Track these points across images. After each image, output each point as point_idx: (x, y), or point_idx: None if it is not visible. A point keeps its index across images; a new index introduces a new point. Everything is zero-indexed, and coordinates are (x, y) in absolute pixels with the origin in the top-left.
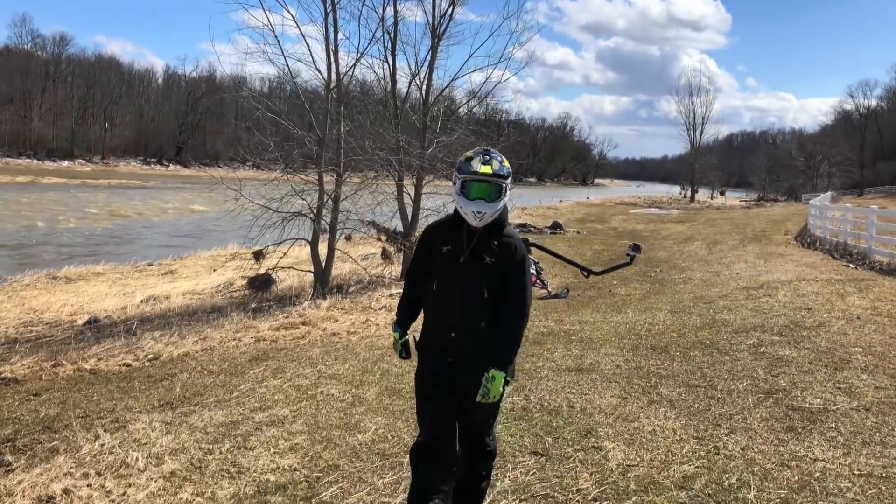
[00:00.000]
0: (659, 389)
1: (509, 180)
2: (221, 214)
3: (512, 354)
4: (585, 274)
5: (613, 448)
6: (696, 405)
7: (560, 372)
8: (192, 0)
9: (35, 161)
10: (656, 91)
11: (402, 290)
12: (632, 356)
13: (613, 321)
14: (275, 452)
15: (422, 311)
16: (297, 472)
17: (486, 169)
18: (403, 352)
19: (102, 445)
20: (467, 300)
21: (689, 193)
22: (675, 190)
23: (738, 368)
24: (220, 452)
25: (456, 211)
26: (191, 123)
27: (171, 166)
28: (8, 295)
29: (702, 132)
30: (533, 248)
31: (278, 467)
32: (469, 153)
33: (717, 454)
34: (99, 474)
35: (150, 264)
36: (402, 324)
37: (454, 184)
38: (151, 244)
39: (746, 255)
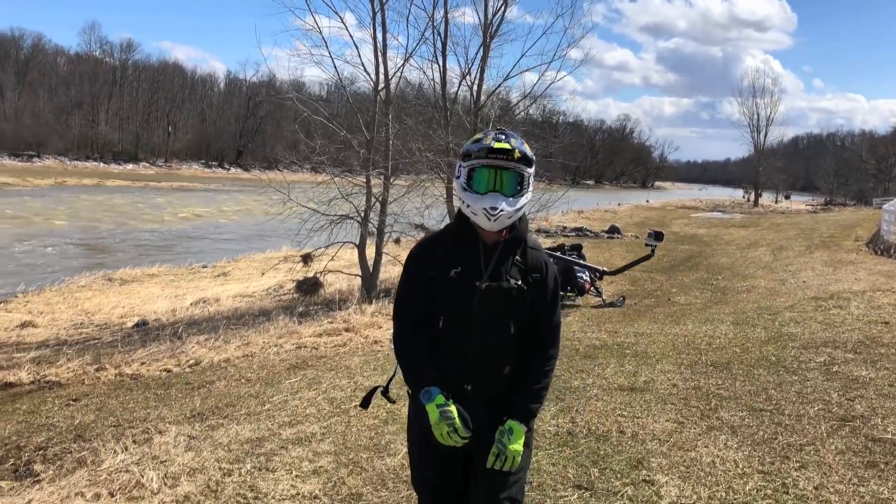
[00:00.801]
0: (719, 413)
1: (532, 169)
2: (270, 217)
3: (541, 403)
4: (598, 276)
5: (667, 483)
6: (761, 433)
7: (611, 391)
8: (254, 6)
9: (101, 164)
10: (718, 93)
11: (397, 335)
12: (690, 374)
13: (671, 333)
14: (297, 476)
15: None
16: (317, 500)
17: (503, 145)
18: (463, 427)
19: (121, 462)
20: (489, 339)
21: (752, 197)
22: (738, 193)
23: (808, 390)
24: (240, 474)
25: (459, 220)
26: (251, 127)
27: (232, 169)
28: (64, 296)
29: (766, 134)
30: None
31: (298, 493)
32: (477, 135)
33: (787, 493)
34: (111, 495)
35: (204, 266)
36: (431, 381)
37: (457, 178)
38: (209, 246)
39: (814, 262)
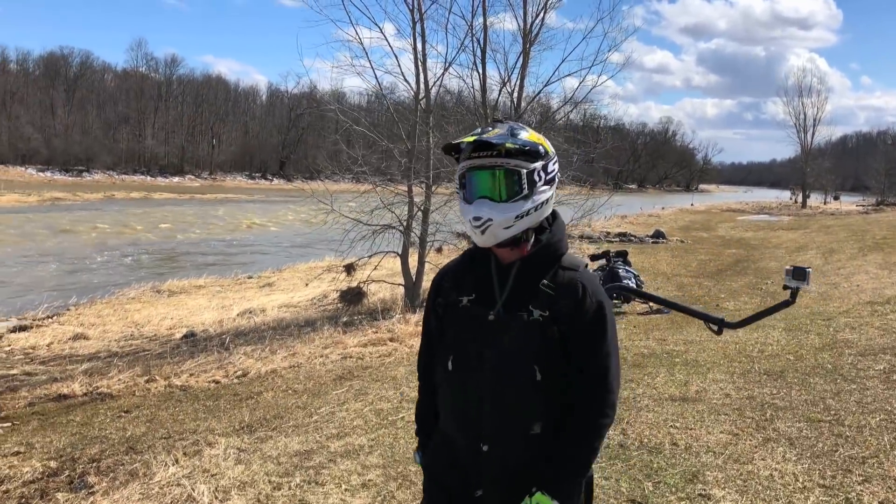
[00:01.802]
0: (775, 424)
1: (540, 164)
2: (315, 227)
3: (579, 474)
4: (716, 329)
5: (723, 497)
6: (821, 444)
7: (662, 401)
8: (295, 20)
9: (148, 177)
10: (762, 93)
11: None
12: (743, 383)
13: (722, 341)
14: (346, 490)
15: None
16: None
17: (482, 138)
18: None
19: (173, 475)
20: (507, 389)
21: (800, 199)
22: (785, 195)
23: (868, 399)
24: (289, 488)
25: None
26: (293, 138)
27: (275, 180)
28: (114, 308)
29: (813, 134)
30: (625, 269)
31: None
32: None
33: None
34: None
35: (249, 277)
36: (421, 445)
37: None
38: (254, 256)
39: (867, 265)
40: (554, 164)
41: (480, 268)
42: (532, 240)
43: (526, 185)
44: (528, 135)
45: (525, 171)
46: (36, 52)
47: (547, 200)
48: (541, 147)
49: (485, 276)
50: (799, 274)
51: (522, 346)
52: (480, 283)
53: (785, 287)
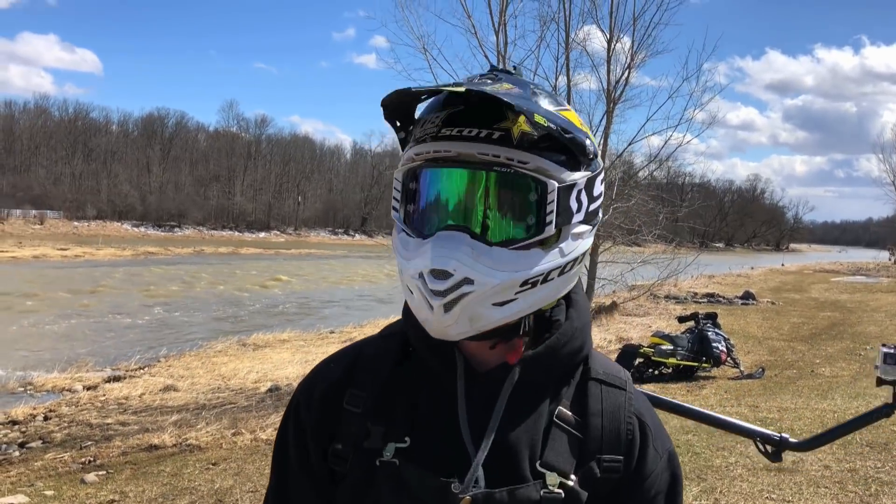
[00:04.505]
0: (881, 500)
1: (584, 175)
2: (396, 282)
3: None
4: (771, 452)
5: None
6: None
7: (756, 471)
8: (376, 81)
9: (236, 233)
10: (854, 149)
11: None
12: (843, 454)
13: (818, 409)
14: None
15: None
16: None
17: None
18: None
19: None
20: None
21: None
22: (883, 255)
23: None
24: None
25: (410, 316)
26: (375, 195)
27: (357, 236)
28: (202, 361)
29: None
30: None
31: None
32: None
33: None
34: None
35: (331, 332)
36: None
37: (394, 205)
38: (336, 311)
39: None
40: (602, 182)
41: (431, 383)
42: (528, 326)
43: (555, 214)
44: (566, 110)
45: (557, 185)
46: (135, 114)
47: (585, 253)
48: (588, 141)
49: (441, 402)
50: None
51: None
52: (430, 416)
53: (880, 382)
